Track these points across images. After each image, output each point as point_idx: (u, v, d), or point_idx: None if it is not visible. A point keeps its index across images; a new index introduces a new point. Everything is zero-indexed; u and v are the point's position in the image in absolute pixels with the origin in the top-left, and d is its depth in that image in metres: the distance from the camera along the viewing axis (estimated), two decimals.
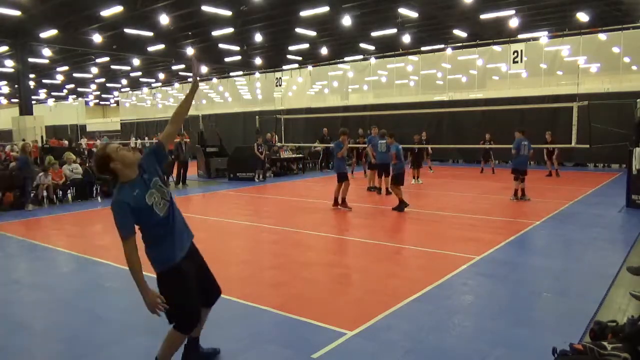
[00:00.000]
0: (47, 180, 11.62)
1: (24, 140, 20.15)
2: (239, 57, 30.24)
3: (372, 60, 25.73)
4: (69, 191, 12.43)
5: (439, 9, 21.09)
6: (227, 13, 19.80)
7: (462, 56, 22.60)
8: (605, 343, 3.06)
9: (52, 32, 22.13)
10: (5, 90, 43.77)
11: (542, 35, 20.95)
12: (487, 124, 18.08)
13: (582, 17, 19.49)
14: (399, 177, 10.07)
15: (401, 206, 9.72)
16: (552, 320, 4.34)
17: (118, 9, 18.74)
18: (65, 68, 34.17)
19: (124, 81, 43.23)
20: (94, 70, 33.88)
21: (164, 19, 19.20)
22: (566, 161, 19.49)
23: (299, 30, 23.14)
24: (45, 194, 11.76)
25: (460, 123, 20.08)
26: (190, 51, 26.72)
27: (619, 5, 20.22)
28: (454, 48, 22.98)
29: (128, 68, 34.47)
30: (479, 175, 16.18)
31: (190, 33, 25.11)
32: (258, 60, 30.49)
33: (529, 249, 6.98)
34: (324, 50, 27.12)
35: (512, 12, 19.34)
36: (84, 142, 27.57)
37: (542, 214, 9.17)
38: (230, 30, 22.94)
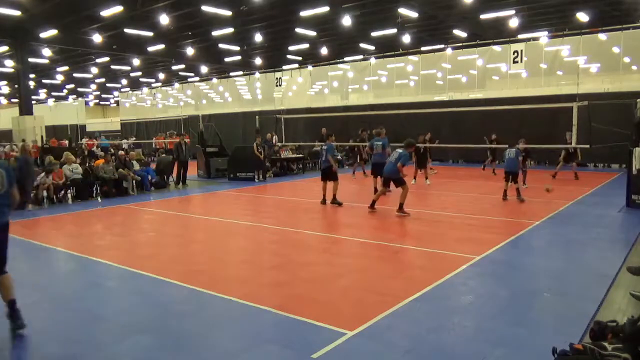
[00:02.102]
0: (48, 181, 11.62)
1: (23, 140, 20.18)
2: (239, 57, 30.23)
3: (372, 60, 25.73)
4: (69, 191, 12.42)
5: (439, 9, 21.08)
6: (227, 13, 19.79)
7: (462, 56, 22.59)
8: (605, 343, 3.06)
9: (52, 32, 22.12)
10: (5, 90, 43.75)
11: (542, 35, 20.95)
12: (487, 124, 18.06)
13: (582, 17, 19.48)
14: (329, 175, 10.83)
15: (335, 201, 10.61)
16: (552, 320, 4.34)
17: (118, 9, 18.73)
18: (65, 68, 34.16)
19: (124, 81, 43.23)
20: (94, 70, 33.87)
21: (164, 19, 19.18)
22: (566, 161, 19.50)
23: (299, 30, 23.13)
24: (45, 194, 11.76)
25: (461, 123, 20.06)
26: (190, 51, 26.72)
27: (619, 5, 20.20)
28: (454, 48, 22.97)
29: (128, 68, 34.45)
30: (479, 175, 16.18)
31: (190, 33, 25.10)
32: (258, 60, 30.47)
33: (529, 249, 6.98)
34: (324, 50, 27.10)
35: (512, 12, 19.32)
36: (84, 142, 27.56)
37: (542, 214, 9.16)
38: (230, 30, 22.92)
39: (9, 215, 4.55)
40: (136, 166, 14.05)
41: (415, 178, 14.45)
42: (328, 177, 10.88)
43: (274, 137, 19.55)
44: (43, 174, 11.68)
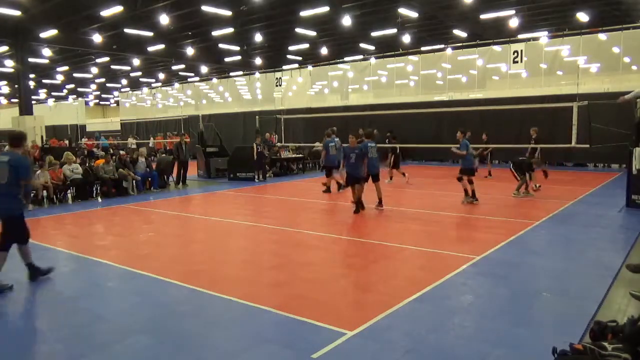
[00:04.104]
0: (44, 176, 11.52)
1: None
2: (239, 57, 30.24)
3: (372, 60, 25.73)
4: (69, 191, 12.42)
5: (439, 9, 21.09)
6: (227, 13, 19.80)
7: (462, 56, 22.58)
8: (605, 343, 3.06)
9: (52, 32, 22.13)
10: (5, 90, 43.75)
11: (542, 35, 20.94)
12: (487, 124, 18.03)
13: (582, 17, 19.48)
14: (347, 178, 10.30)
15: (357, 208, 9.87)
16: (552, 320, 4.35)
17: (118, 9, 18.73)
18: (65, 68, 34.16)
19: (124, 81, 43.23)
20: (94, 70, 33.89)
21: (164, 19, 19.19)
22: (566, 161, 19.52)
23: (299, 30, 23.14)
24: (45, 194, 11.75)
25: (461, 123, 20.04)
26: (190, 51, 26.72)
27: (619, 5, 20.22)
28: (454, 48, 22.97)
29: (128, 68, 34.46)
30: (479, 176, 16.12)
31: (190, 33, 25.12)
32: (258, 60, 30.48)
33: (529, 249, 6.97)
34: (324, 50, 27.11)
35: (512, 12, 19.33)
36: (83, 141, 27.58)
37: (542, 214, 9.16)
38: (230, 30, 22.93)
39: (17, 204, 5.51)
40: (142, 165, 13.93)
41: (391, 177, 14.78)
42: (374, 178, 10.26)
43: (274, 137, 19.56)
44: (39, 171, 11.62)
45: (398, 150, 15.17)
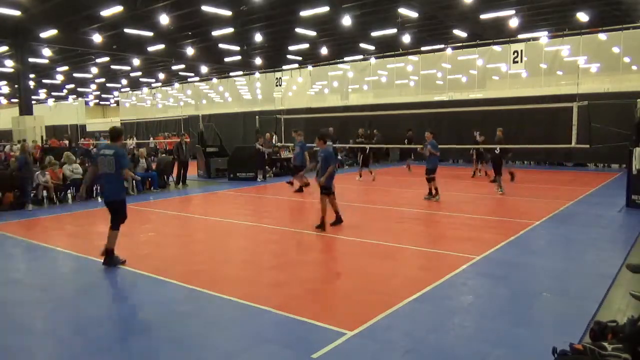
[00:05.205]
0: (45, 178, 11.53)
1: (24, 140, 20.18)
2: (239, 57, 30.25)
3: (372, 60, 25.73)
4: (69, 191, 12.41)
5: (439, 9, 21.09)
6: (227, 13, 19.80)
7: (462, 56, 22.59)
8: (605, 344, 3.06)
9: (52, 32, 22.14)
10: (5, 90, 43.76)
11: (542, 35, 20.95)
12: (487, 124, 18.02)
13: (582, 17, 19.48)
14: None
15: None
16: (552, 320, 4.35)
17: (118, 9, 18.73)
18: (65, 68, 34.16)
19: (124, 81, 43.24)
20: (94, 70, 33.89)
21: (164, 19, 19.18)
22: (566, 161, 19.51)
23: (299, 30, 23.14)
24: (45, 194, 11.74)
25: (460, 123, 20.07)
26: (190, 51, 26.73)
27: (619, 5, 20.22)
28: (454, 48, 22.97)
29: (128, 68, 34.46)
30: (478, 175, 16.13)
31: (190, 33, 25.12)
32: (258, 60, 30.49)
33: (529, 249, 6.97)
34: (324, 50, 27.11)
35: (512, 12, 19.33)
36: (82, 142, 27.59)
37: (542, 214, 9.16)
38: (230, 30, 22.93)
39: (121, 190, 6.38)
40: (143, 165, 13.91)
41: (360, 175, 15.43)
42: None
43: (274, 137, 19.56)
44: (39, 172, 11.62)
45: (368, 150, 15.69)
